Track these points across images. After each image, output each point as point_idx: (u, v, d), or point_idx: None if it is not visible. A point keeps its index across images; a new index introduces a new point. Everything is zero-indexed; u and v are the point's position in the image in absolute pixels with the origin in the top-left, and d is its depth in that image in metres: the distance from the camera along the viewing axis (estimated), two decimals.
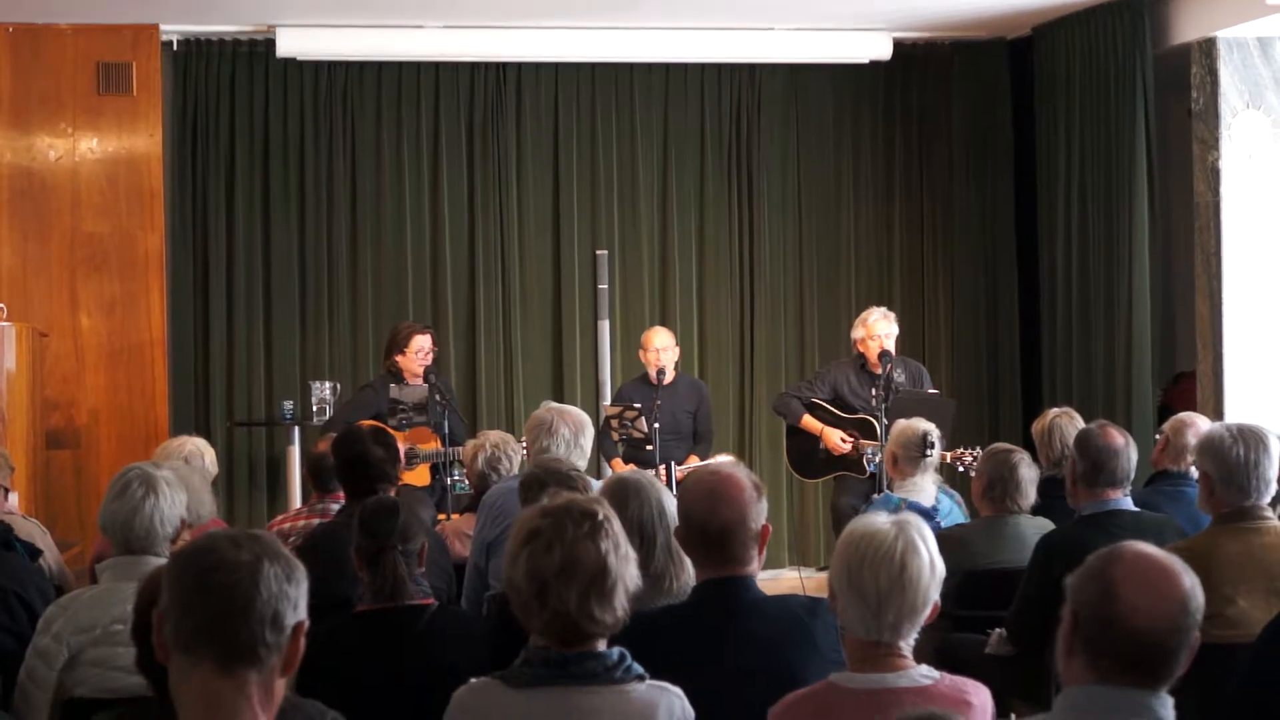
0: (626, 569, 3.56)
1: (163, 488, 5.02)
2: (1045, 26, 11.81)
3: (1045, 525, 6.53)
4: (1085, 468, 6.13)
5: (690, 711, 3.65)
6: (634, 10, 11.12)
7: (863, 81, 12.35)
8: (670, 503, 4.84)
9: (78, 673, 4.75)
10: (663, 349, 10.28)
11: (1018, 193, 12.42)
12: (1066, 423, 7.55)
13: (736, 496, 4.28)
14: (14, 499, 6.72)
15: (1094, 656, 3.09)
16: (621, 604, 3.53)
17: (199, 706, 2.74)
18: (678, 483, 9.19)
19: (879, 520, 3.71)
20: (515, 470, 7.41)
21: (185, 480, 6.13)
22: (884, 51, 12.04)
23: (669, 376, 10.20)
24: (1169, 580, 3.12)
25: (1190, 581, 3.13)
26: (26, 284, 11.01)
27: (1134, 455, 6.18)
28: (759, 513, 4.33)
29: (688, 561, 4.56)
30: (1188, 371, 11.34)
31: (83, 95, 11.14)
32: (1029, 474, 6.69)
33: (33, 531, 6.48)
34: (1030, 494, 6.72)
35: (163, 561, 4.75)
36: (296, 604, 2.78)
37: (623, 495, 4.73)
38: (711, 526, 4.25)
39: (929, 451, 7.32)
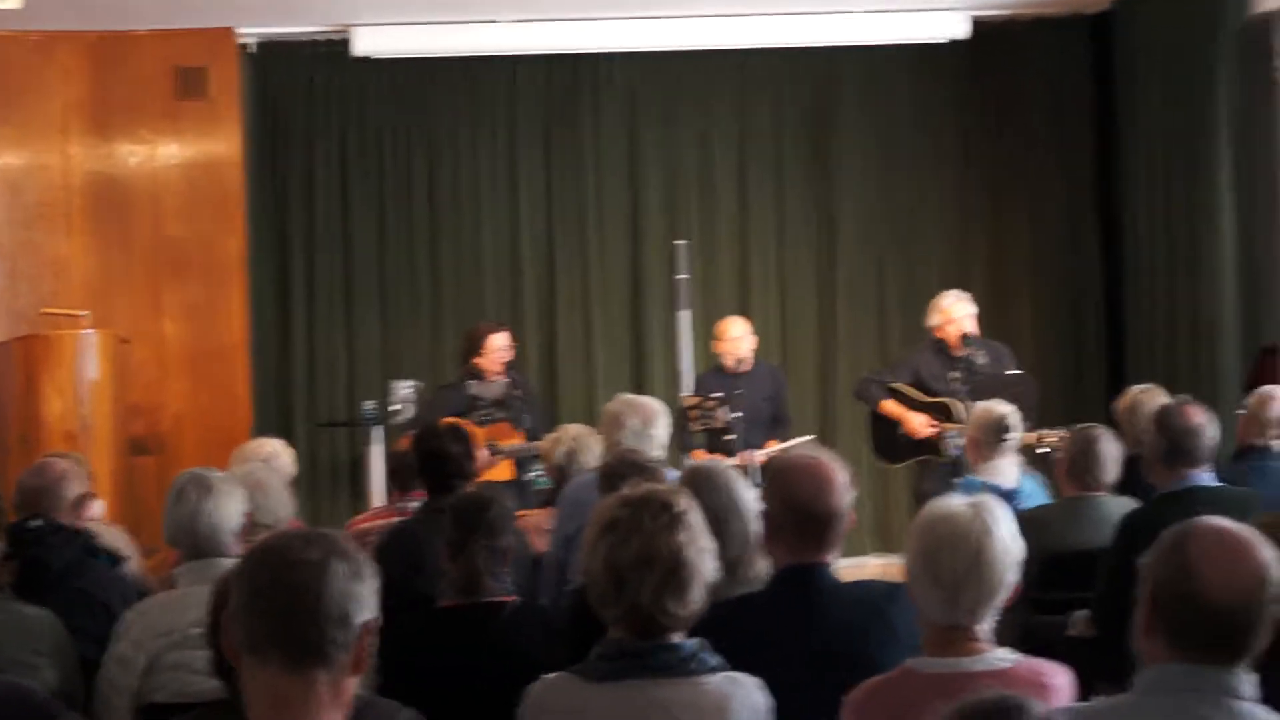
0: (704, 561, 3.54)
1: (218, 487, 5.05)
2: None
3: (1128, 505, 6.43)
4: (1164, 447, 6.05)
5: (768, 701, 3.63)
6: None
7: (942, 62, 12.24)
8: (744, 490, 4.81)
9: (156, 678, 4.76)
10: (739, 337, 10.23)
11: (1099, 169, 12.30)
12: (1150, 400, 7.46)
13: (839, 483, 4.26)
14: (99, 507, 6.75)
15: (1173, 634, 3.05)
16: (698, 596, 3.52)
17: (267, 706, 2.74)
18: (759, 467, 9.16)
19: (954, 503, 3.67)
20: (595, 464, 7.39)
21: (264, 482, 6.17)
22: (963, 31, 11.95)
23: (747, 365, 10.17)
24: (1246, 554, 3.08)
25: (1268, 554, 3.09)
26: (109, 291, 11.10)
27: (1215, 432, 6.10)
28: (851, 502, 4.31)
29: (759, 549, 4.53)
30: (1274, 345, 11.19)
31: (161, 101, 11.23)
32: (1110, 450, 6.58)
33: (115, 538, 6.51)
34: (1113, 471, 6.62)
35: (234, 562, 4.77)
36: (365, 602, 2.79)
37: (695, 484, 4.70)
38: (817, 511, 4.22)
39: (1007, 435, 7.26)
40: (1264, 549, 3.09)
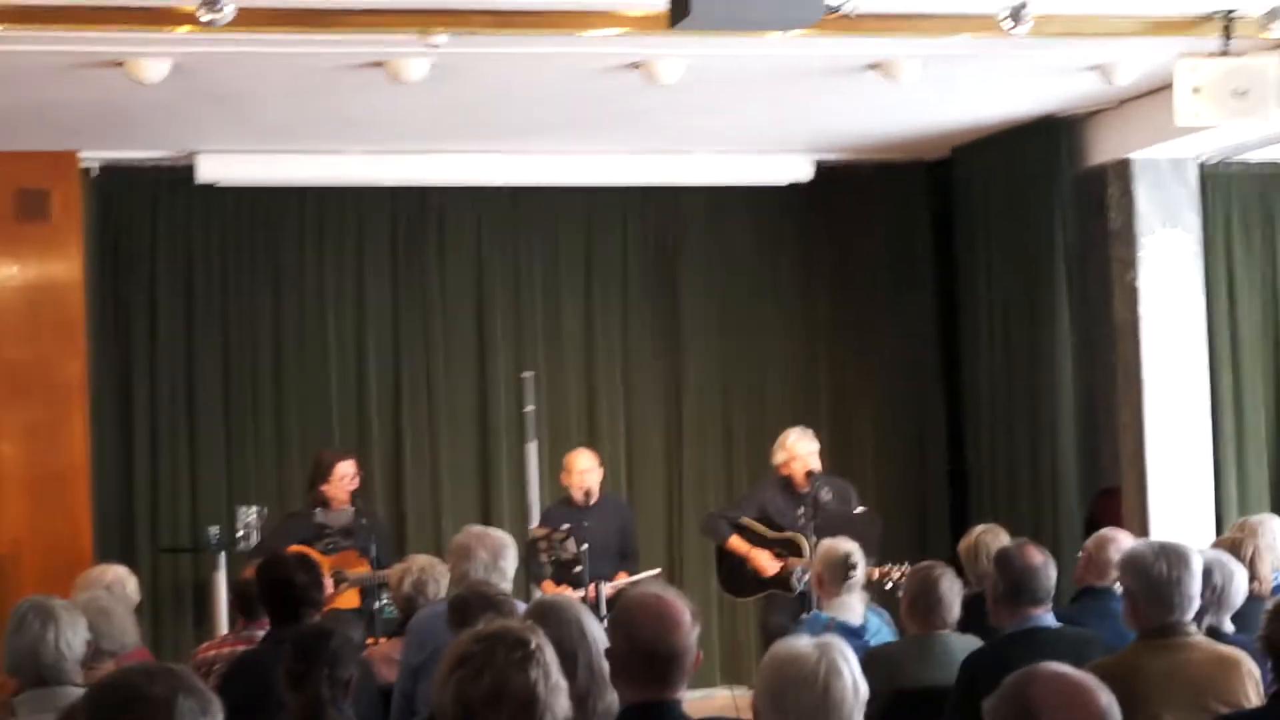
0: (557, 699, 3.53)
1: (60, 614, 4.99)
2: (964, 149, 11.93)
3: (974, 643, 6.51)
4: (1005, 587, 6.16)
5: None
6: (555, 135, 11.17)
7: (784, 202, 12.43)
8: (592, 623, 4.81)
9: None
10: (586, 470, 10.28)
11: (940, 312, 12.51)
12: (992, 540, 7.59)
13: (683, 621, 4.26)
14: None
15: None
16: None
17: None
18: (607, 600, 9.17)
19: (801, 643, 3.70)
20: (442, 594, 7.37)
21: (108, 609, 6.09)
22: (805, 173, 12.14)
23: (594, 497, 10.20)
24: (1086, 697, 3.15)
25: (1107, 699, 3.15)
26: None
27: (1054, 572, 6.21)
28: (696, 639, 4.32)
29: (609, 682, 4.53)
30: (1113, 487, 11.39)
31: (2, 222, 11.07)
32: (951, 588, 6.68)
33: None
34: (955, 608, 6.71)
35: (78, 691, 4.71)
36: None
37: (542, 617, 4.70)
38: (660, 650, 4.21)
39: (852, 573, 7.32)
40: (1102, 694, 3.16)
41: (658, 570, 10.30)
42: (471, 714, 3.43)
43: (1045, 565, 6.17)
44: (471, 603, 5.59)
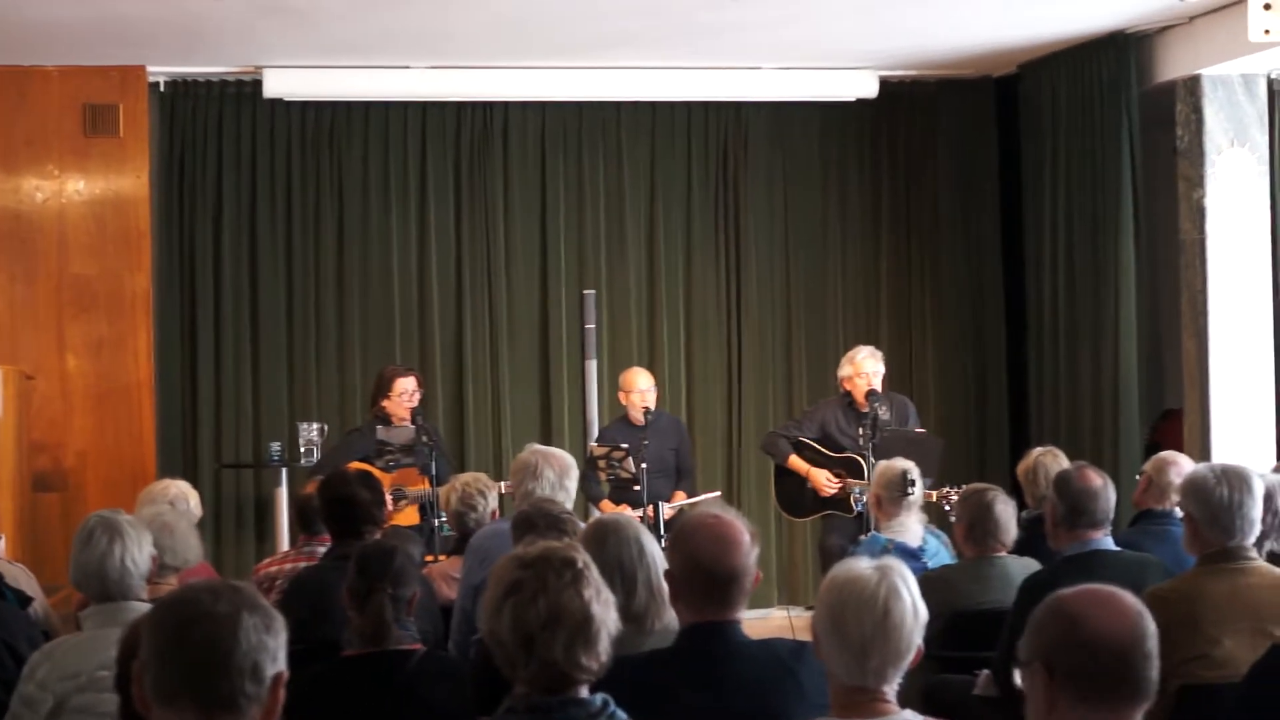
0: (609, 614, 3.55)
1: (126, 530, 5.03)
2: (1031, 64, 11.85)
3: (1031, 565, 6.53)
4: (1064, 510, 6.16)
5: None
6: (620, 50, 11.15)
7: (849, 119, 12.38)
8: (649, 541, 4.83)
9: None
10: (646, 390, 10.31)
11: (1004, 229, 12.45)
12: (1051, 462, 7.57)
13: (742, 543, 4.28)
14: (0, 543, 6.71)
15: (1080, 690, 3.11)
16: (605, 649, 3.52)
17: None
18: (665, 521, 9.20)
19: (861, 565, 3.70)
20: (492, 510, 7.41)
21: (171, 524, 6.15)
22: (870, 90, 12.08)
23: (651, 416, 10.22)
24: (1119, 597, 3.22)
25: (1133, 599, 3.22)
26: (13, 326, 11.02)
27: (1113, 495, 6.21)
28: (755, 560, 4.34)
29: (668, 600, 4.56)
30: (1175, 409, 11.35)
31: (69, 137, 11.15)
32: (1005, 510, 6.68)
33: (19, 577, 6.48)
34: (1011, 530, 6.72)
35: (144, 606, 4.76)
36: (276, 655, 2.81)
37: (601, 536, 4.72)
38: (720, 571, 4.23)
39: (910, 490, 7.32)
40: (1128, 595, 3.22)
41: (718, 493, 10.33)
42: (531, 639, 3.45)
43: (1104, 488, 6.17)
44: (537, 521, 5.62)
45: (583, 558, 3.56)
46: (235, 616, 2.76)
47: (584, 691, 3.53)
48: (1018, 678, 3.24)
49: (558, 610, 3.45)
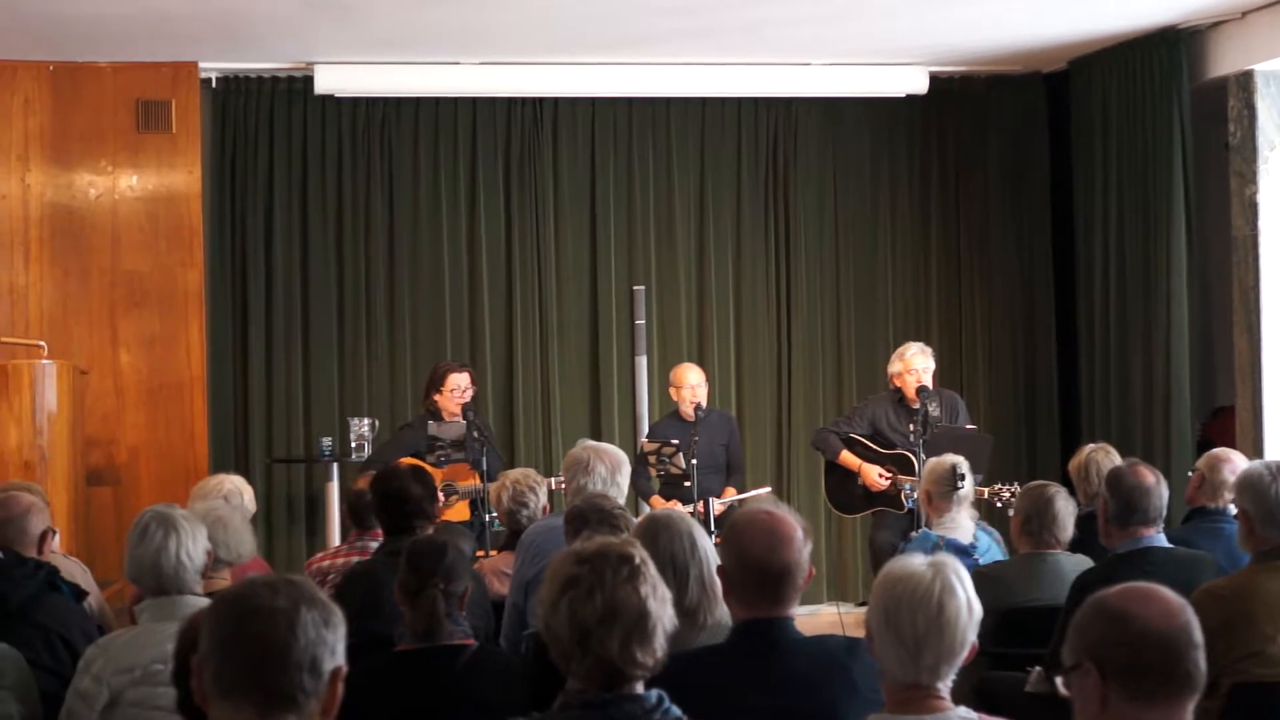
0: (665, 610, 3.55)
1: (182, 525, 5.05)
2: (1081, 60, 11.81)
3: (1084, 562, 6.51)
4: (1117, 507, 6.13)
5: None
6: (670, 45, 11.15)
7: (899, 115, 12.37)
8: (702, 537, 4.84)
9: (118, 713, 4.76)
10: (696, 385, 10.31)
11: (1054, 226, 12.42)
12: (1103, 458, 7.55)
13: (795, 538, 4.28)
14: (55, 538, 6.74)
15: (1131, 687, 3.10)
16: (661, 645, 3.53)
17: None
18: (716, 517, 9.21)
19: (915, 562, 3.70)
20: (543, 506, 7.43)
21: (225, 519, 6.18)
22: (920, 86, 12.06)
23: (702, 411, 10.22)
24: (1161, 592, 3.20)
25: (1175, 593, 3.22)
26: (67, 321, 11.07)
27: (1165, 493, 6.19)
28: (808, 556, 4.33)
29: (720, 595, 4.56)
30: (1227, 406, 11.30)
31: (123, 133, 11.21)
32: (1065, 508, 6.66)
33: (74, 571, 6.51)
34: (1068, 528, 6.69)
35: (199, 601, 4.80)
36: (334, 649, 2.83)
37: (654, 531, 4.73)
38: (772, 567, 4.23)
39: (960, 484, 7.30)
40: (1168, 590, 3.21)
41: (768, 489, 10.32)
42: (587, 634, 3.46)
43: (1157, 485, 6.15)
44: (589, 516, 5.64)
45: (640, 554, 3.57)
46: (294, 611, 2.79)
47: (639, 688, 3.54)
48: (1060, 684, 3.23)
49: (614, 606, 3.46)
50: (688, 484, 9.59)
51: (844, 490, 10.16)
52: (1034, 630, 6.14)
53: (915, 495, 8.94)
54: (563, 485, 7.17)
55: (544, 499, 7.52)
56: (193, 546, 5.03)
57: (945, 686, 3.65)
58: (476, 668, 4.89)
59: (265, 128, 11.75)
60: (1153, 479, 6.17)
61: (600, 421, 12.01)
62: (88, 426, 10.59)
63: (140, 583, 5.07)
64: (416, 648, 4.92)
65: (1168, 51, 10.89)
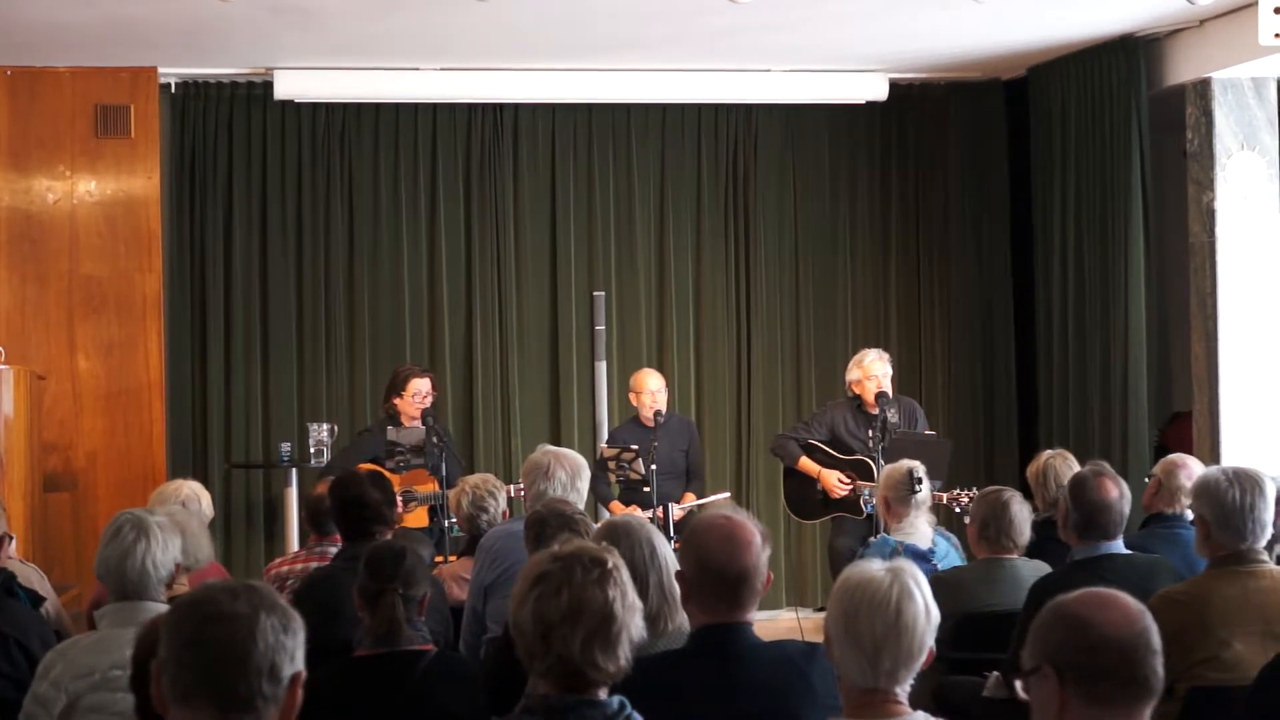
0: (632, 619, 3.55)
1: (155, 532, 5.02)
2: (1040, 67, 11.85)
3: (1041, 568, 6.53)
4: (1078, 519, 6.13)
5: None
6: (630, 52, 11.17)
7: (859, 122, 12.40)
8: (662, 543, 4.85)
9: (76, 719, 4.74)
10: (657, 391, 10.32)
11: (1013, 232, 12.46)
12: (1061, 464, 7.56)
13: (754, 543, 4.29)
14: (12, 544, 6.72)
15: (1091, 691, 3.12)
16: (625, 654, 3.53)
17: None
18: (675, 522, 9.22)
19: (873, 567, 3.71)
20: (503, 511, 7.44)
21: (182, 524, 6.15)
22: (880, 92, 12.09)
23: (661, 417, 10.23)
24: (1119, 597, 3.24)
25: (1133, 598, 3.25)
26: (24, 326, 11.03)
27: (1127, 507, 6.18)
28: (767, 561, 4.34)
29: (679, 602, 4.57)
30: (1184, 412, 11.35)
31: (81, 138, 11.17)
32: (1021, 512, 6.68)
33: (31, 577, 6.48)
34: (1025, 533, 6.71)
35: (160, 607, 4.77)
36: (294, 655, 2.82)
37: (613, 537, 4.73)
38: (730, 572, 4.24)
39: (917, 488, 7.31)
40: (1126, 595, 3.25)
41: (727, 494, 10.34)
42: (549, 630, 3.47)
43: (1119, 500, 6.13)
44: (550, 521, 5.63)
45: (615, 560, 3.57)
46: (253, 617, 2.78)
47: (601, 693, 3.54)
48: (1019, 688, 3.25)
49: (579, 605, 3.47)
50: (647, 489, 9.60)
51: (803, 496, 10.19)
52: (991, 635, 6.17)
53: (874, 501, 8.96)
54: (522, 491, 7.17)
55: (503, 504, 7.52)
56: (161, 555, 5.00)
57: (903, 691, 3.66)
58: (435, 673, 4.89)
59: (225, 133, 11.73)
60: (1115, 493, 6.15)
61: (560, 427, 12.01)
62: (45, 432, 10.57)
63: (105, 581, 5.05)
64: (375, 653, 4.92)
65: (1126, 59, 10.95)
